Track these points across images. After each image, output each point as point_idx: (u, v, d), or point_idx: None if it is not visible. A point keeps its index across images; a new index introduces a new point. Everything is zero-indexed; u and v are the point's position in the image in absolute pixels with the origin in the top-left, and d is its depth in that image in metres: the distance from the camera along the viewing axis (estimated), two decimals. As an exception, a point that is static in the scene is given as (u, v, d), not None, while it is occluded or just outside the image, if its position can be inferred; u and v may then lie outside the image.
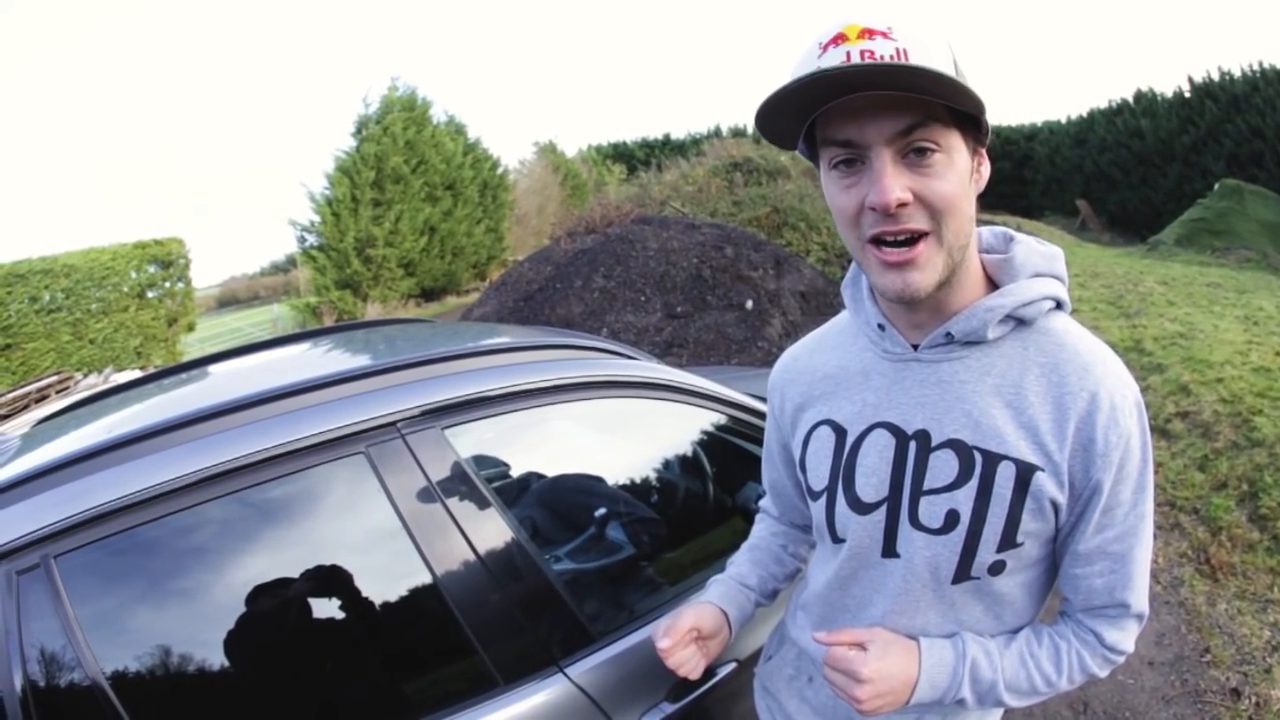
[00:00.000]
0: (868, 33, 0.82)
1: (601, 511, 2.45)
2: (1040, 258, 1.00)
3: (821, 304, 8.20)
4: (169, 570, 1.20)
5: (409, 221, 16.11)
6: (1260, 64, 17.39)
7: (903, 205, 0.86)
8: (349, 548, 1.36)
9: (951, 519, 0.98)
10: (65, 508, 1.11)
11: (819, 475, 1.11)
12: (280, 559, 1.30)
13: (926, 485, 1.00)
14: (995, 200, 22.28)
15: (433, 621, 1.38)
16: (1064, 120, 24.60)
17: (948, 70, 0.82)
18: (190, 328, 15.24)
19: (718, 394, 1.98)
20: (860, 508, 1.05)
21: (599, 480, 2.03)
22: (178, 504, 1.18)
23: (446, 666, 1.41)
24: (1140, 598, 1.02)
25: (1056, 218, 21.44)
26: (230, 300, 35.70)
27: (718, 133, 24.45)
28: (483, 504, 1.41)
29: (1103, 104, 22.72)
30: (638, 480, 2.12)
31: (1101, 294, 8.53)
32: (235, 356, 2.14)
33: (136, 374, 2.43)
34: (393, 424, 1.37)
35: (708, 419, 2.04)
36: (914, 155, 0.87)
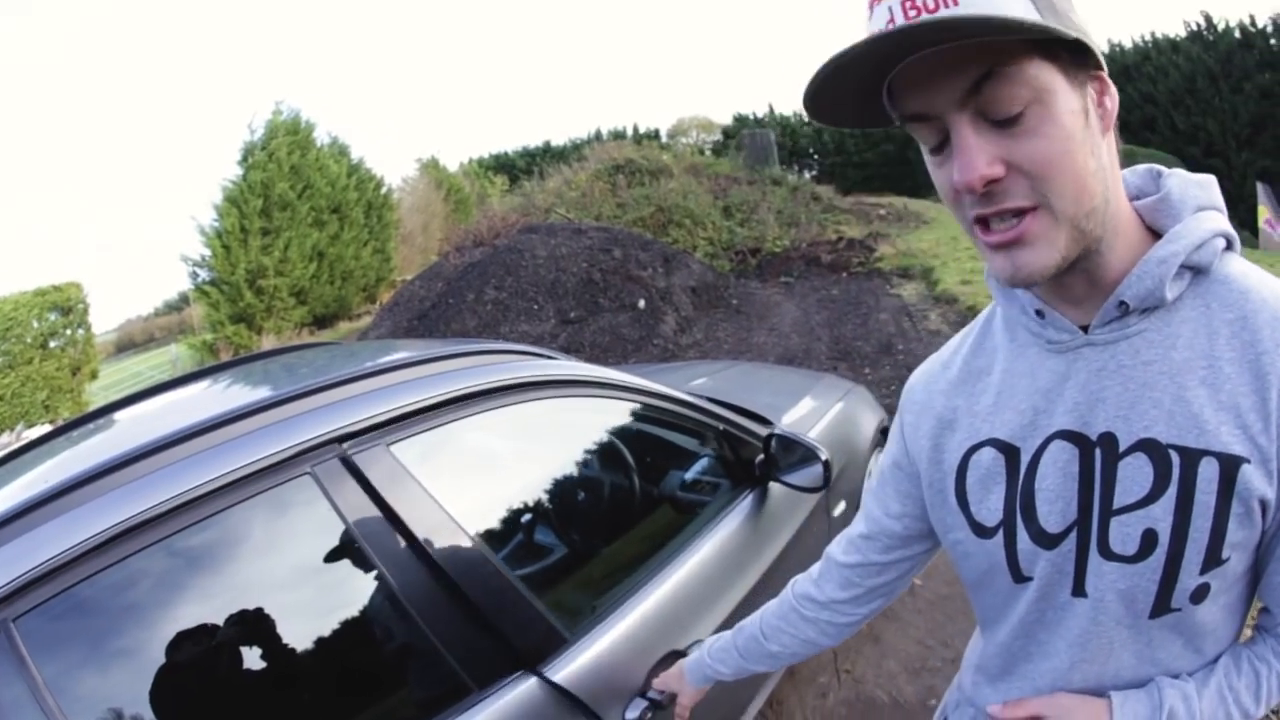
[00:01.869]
0: None
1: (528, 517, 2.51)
2: (1197, 187, 0.81)
3: (713, 297, 8.33)
4: (134, 616, 1.15)
5: (298, 248, 15.83)
6: (1152, 34, 17.95)
7: (994, 181, 0.70)
8: (307, 569, 1.36)
9: (1149, 541, 0.79)
10: (16, 565, 1.03)
11: (989, 509, 0.91)
12: (241, 587, 1.28)
13: (1117, 503, 0.80)
14: (881, 183, 22.26)
15: (401, 634, 1.39)
16: None
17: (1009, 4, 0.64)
18: (93, 375, 14.69)
19: (639, 385, 2.05)
20: (1045, 540, 0.86)
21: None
22: (135, 545, 1.12)
23: (419, 678, 1.41)
24: None
25: (945, 196, 21.88)
26: (128, 344, 34.37)
27: (598, 136, 24.56)
28: (435, 513, 1.41)
29: None
30: (590, 477, 2.20)
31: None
32: (148, 397, 2.04)
33: (48, 428, 2.31)
34: (337, 440, 1.35)
35: (633, 410, 2.12)
36: (1000, 114, 0.69)
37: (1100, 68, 0.72)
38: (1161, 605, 0.80)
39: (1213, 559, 0.77)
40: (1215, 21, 15.92)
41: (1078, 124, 0.69)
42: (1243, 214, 13.52)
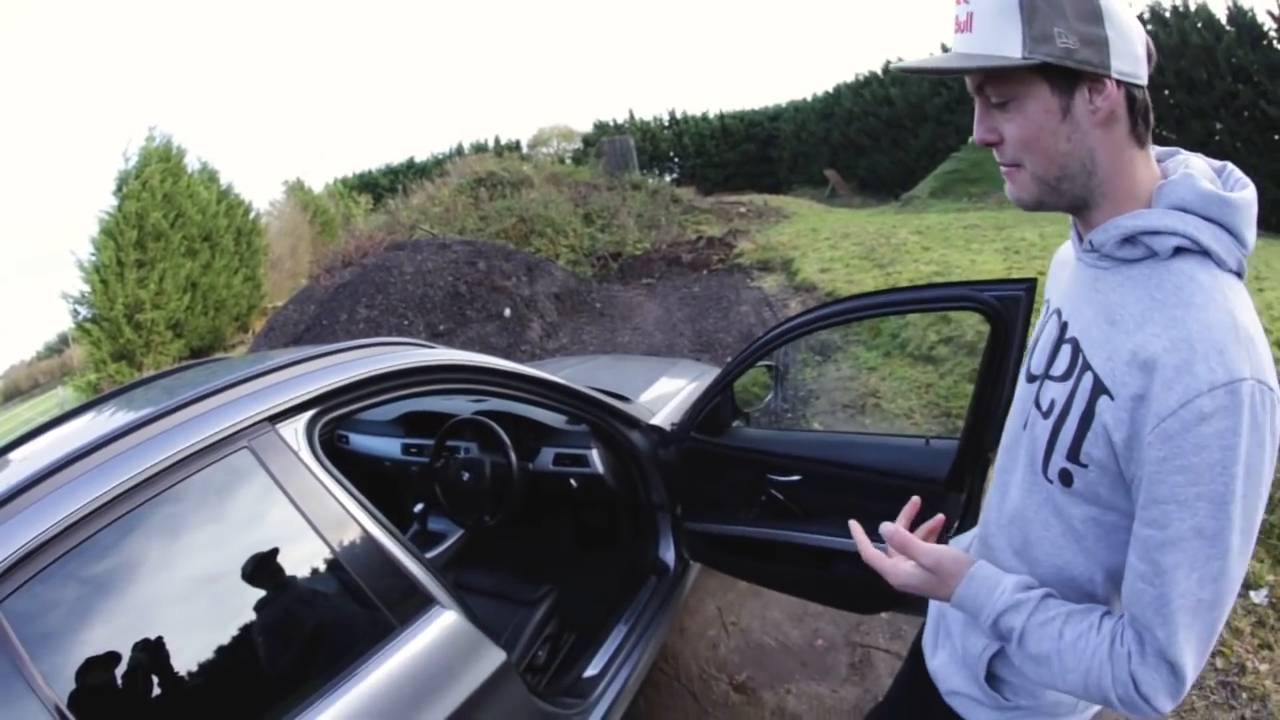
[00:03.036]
0: None
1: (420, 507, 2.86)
2: (1194, 195, 0.93)
3: (576, 302, 8.73)
4: (104, 590, 1.29)
5: (172, 279, 15.20)
6: None
7: (990, 144, 1.00)
8: (255, 525, 1.53)
9: (1052, 408, 1.02)
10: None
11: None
12: (201, 554, 1.46)
13: (1050, 371, 1.05)
14: (743, 181, 22.76)
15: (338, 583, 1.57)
16: (810, 98, 24.62)
17: (1004, 26, 0.91)
18: None
19: (517, 370, 2.28)
20: (1028, 377, 1.12)
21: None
22: (101, 521, 1.26)
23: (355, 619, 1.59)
24: (1175, 645, 0.87)
25: (805, 189, 21.64)
26: (14, 392, 32.13)
27: (460, 151, 24.41)
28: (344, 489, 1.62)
29: (850, 79, 22.75)
30: None
31: (853, 251, 8.99)
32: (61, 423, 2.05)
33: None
34: (268, 419, 1.54)
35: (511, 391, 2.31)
36: (996, 101, 0.97)
37: (1099, 79, 0.91)
38: (1046, 464, 1.02)
39: (1075, 453, 0.97)
40: None
41: (1051, 118, 0.93)
42: None
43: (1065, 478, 1.00)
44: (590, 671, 2.30)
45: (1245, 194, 0.94)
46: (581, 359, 4.69)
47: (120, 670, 1.23)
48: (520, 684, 1.78)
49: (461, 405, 2.97)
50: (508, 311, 8.24)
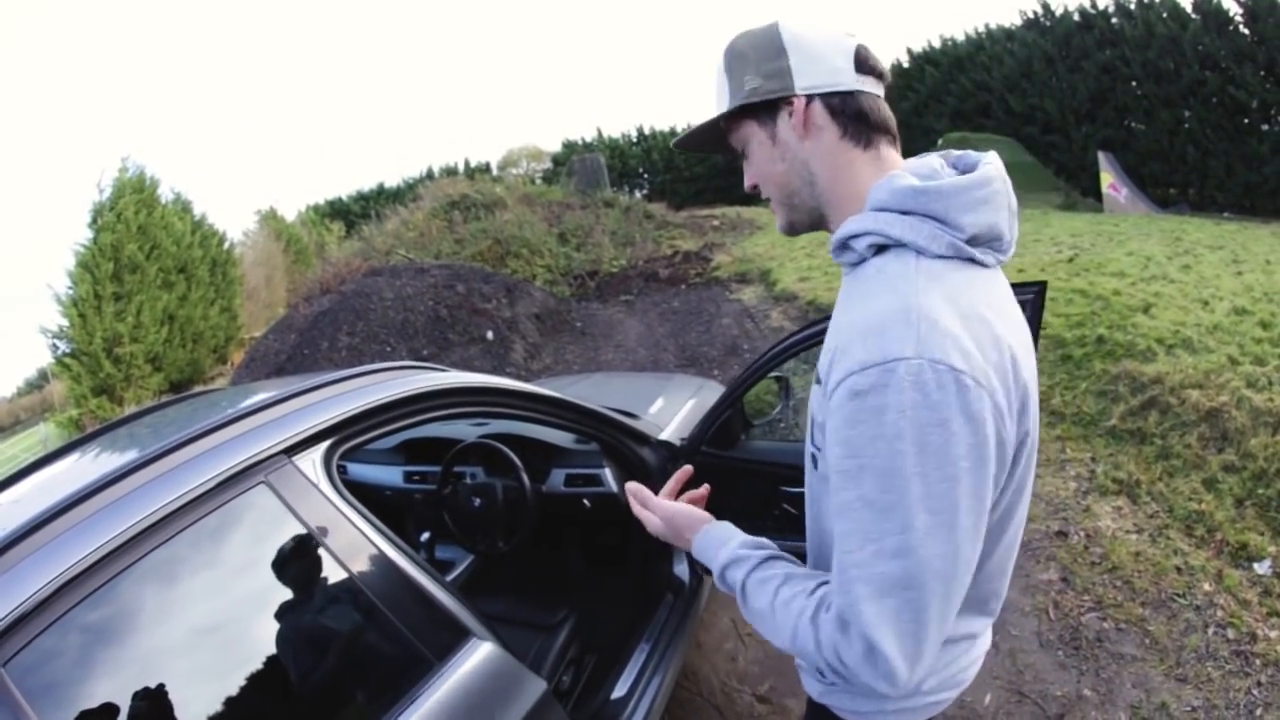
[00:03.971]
0: None
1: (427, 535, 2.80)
2: (889, 193, 0.98)
3: (557, 323, 8.74)
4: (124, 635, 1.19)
5: (150, 312, 15.07)
6: (986, 25, 18.16)
7: (756, 191, 1.13)
8: (276, 565, 1.42)
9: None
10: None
11: None
12: (223, 600, 1.36)
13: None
14: (713, 195, 22.88)
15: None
16: None
17: (720, 96, 1.09)
18: None
19: (533, 391, 2.23)
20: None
21: None
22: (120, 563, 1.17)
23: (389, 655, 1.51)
24: (862, 619, 0.88)
25: (777, 203, 22.17)
26: None
27: (430, 175, 24.41)
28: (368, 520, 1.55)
29: None
30: None
31: (830, 258, 9.02)
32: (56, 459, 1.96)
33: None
34: (284, 451, 1.46)
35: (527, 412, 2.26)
36: (742, 154, 1.12)
37: (788, 99, 1.02)
38: (810, 451, 1.10)
39: (813, 438, 1.06)
40: (1053, 8, 16.25)
41: (765, 147, 1.07)
42: (1085, 182, 14.31)
43: (814, 460, 1.07)
44: (618, 693, 2.28)
45: (960, 180, 0.97)
46: (574, 379, 4.66)
47: None
48: (562, 712, 1.73)
49: (462, 430, 2.92)
50: (490, 334, 8.24)
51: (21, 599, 1.04)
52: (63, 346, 14.97)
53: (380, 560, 1.51)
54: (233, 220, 57.61)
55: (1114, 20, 14.72)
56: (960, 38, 18.79)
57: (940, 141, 15.15)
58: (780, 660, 3.02)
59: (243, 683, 1.30)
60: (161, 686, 1.17)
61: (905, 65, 19.93)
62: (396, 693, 1.41)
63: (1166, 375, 4.37)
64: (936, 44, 19.38)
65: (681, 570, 2.76)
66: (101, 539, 1.15)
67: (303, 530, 1.42)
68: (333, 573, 1.44)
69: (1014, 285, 1.90)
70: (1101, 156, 13.21)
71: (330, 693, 1.46)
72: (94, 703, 1.09)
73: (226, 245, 18.68)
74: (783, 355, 2.33)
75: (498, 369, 7.73)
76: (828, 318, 2.31)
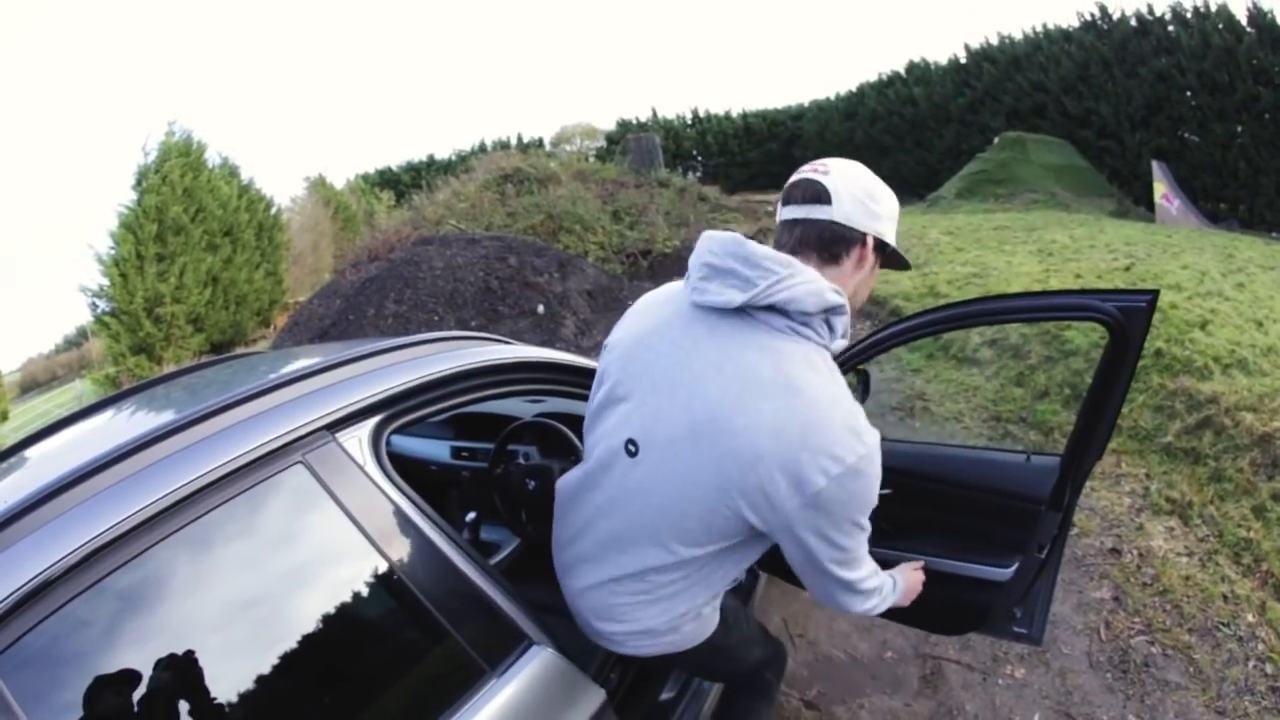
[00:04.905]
0: None
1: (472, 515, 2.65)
2: None
3: (608, 300, 8.60)
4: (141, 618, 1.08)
5: (193, 274, 15.27)
6: (1044, 25, 17.93)
7: None
8: (313, 557, 1.31)
9: None
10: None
11: None
12: (251, 595, 1.22)
13: None
14: (767, 181, 22.74)
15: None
16: (833, 97, 24.56)
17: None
18: (4, 416, 14.11)
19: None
20: None
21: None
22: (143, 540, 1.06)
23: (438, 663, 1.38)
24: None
25: (829, 190, 21.93)
26: (31, 384, 32.53)
27: (483, 148, 24.37)
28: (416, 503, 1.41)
29: (873, 78, 22.79)
30: None
31: None
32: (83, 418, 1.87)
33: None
34: (327, 426, 1.32)
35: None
36: None
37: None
38: None
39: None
40: (1110, 11, 16.08)
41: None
42: (1137, 190, 14.20)
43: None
44: (667, 694, 2.17)
45: None
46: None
47: None
48: None
49: (515, 406, 2.79)
50: (541, 308, 8.13)
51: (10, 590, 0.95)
52: (102, 305, 15.17)
53: (434, 557, 1.37)
54: (281, 187, 58.32)
55: (1170, 28, 14.65)
56: (1018, 36, 18.65)
57: (996, 140, 15.39)
58: (829, 665, 2.95)
59: (276, 696, 1.18)
60: (160, 690, 1.04)
61: (963, 60, 19.83)
62: (444, 704, 1.28)
63: (1222, 395, 4.23)
64: (994, 41, 19.14)
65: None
66: (99, 529, 1.03)
67: (344, 518, 1.27)
68: (377, 570, 1.29)
69: (1122, 291, 1.76)
70: (1155, 166, 13.02)
71: (371, 706, 1.29)
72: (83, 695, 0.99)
73: (274, 210, 18.82)
74: (874, 349, 2.17)
75: (547, 343, 7.60)
76: (927, 311, 2.16)
